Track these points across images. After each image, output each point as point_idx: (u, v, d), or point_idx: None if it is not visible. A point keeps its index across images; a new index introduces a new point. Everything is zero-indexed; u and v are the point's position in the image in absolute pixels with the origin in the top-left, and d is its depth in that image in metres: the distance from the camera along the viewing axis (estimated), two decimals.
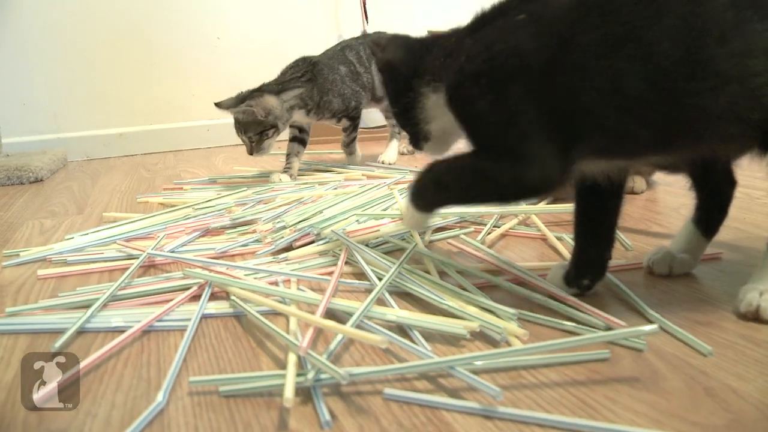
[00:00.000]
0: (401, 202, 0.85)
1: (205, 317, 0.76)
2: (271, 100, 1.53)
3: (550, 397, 0.55)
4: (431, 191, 0.75)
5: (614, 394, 0.55)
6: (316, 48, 1.80)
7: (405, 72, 0.78)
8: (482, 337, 0.67)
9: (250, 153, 1.58)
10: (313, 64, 1.65)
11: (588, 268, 0.76)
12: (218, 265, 0.88)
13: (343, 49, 1.77)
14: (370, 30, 2.49)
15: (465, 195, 0.73)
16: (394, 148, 1.92)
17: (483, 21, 0.71)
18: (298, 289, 0.81)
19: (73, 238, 1.14)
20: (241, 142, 1.60)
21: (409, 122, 0.79)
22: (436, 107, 0.75)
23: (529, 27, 0.64)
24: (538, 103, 0.63)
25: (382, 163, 1.83)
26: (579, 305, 0.72)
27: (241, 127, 1.55)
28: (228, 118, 1.59)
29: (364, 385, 0.58)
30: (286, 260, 0.94)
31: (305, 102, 1.60)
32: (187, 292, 0.81)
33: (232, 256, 1.00)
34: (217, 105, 1.54)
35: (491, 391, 0.53)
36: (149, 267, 0.96)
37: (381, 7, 2.60)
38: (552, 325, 0.69)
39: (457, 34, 0.74)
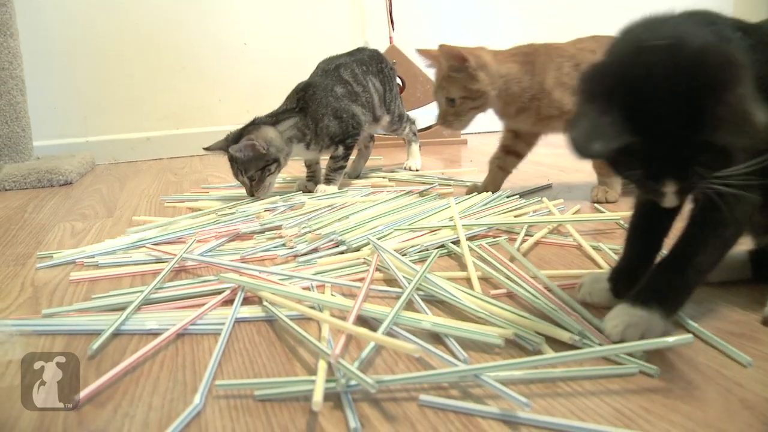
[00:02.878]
0: (620, 317, 0.67)
1: (237, 321, 0.77)
2: (269, 131, 1.45)
3: (585, 407, 0.55)
4: (690, 289, 0.68)
5: (649, 404, 0.55)
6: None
7: None
8: (516, 345, 0.67)
9: (251, 194, 1.46)
10: (305, 89, 1.54)
11: (638, 280, 0.72)
12: (251, 270, 0.89)
13: (337, 68, 1.63)
14: (395, 37, 2.50)
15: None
16: (418, 152, 1.89)
17: None
18: (332, 294, 0.82)
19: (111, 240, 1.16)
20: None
21: None
22: None
23: None
24: None
25: (409, 169, 1.80)
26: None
27: (241, 166, 1.44)
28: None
29: (399, 391, 0.59)
30: (316, 265, 0.95)
31: (303, 132, 1.50)
32: (220, 296, 0.82)
33: (262, 260, 1.01)
34: (207, 149, 1.48)
35: (518, 402, 0.53)
36: (180, 271, 0.98)
37: (407, 15, 2.61)
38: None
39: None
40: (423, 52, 1.39)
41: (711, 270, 0.68)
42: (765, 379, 0.58)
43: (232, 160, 1.44)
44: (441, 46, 1.27)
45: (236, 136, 1.45)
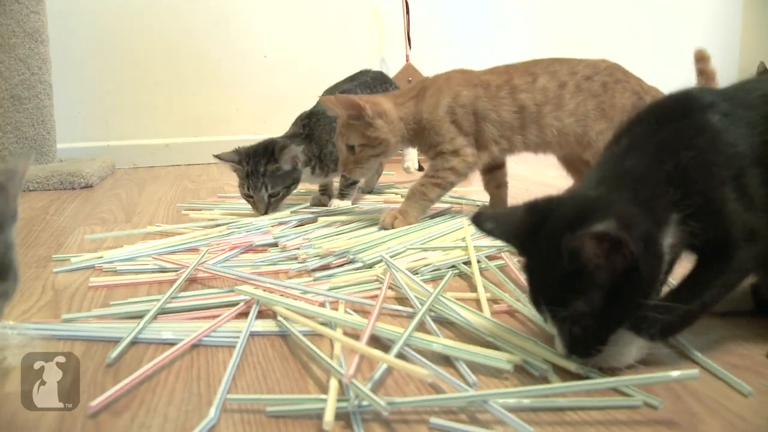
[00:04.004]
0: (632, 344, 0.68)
1: (252, 335, 0.78)
2: (297, 149, 1.46)
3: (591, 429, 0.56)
4: (687, 322, 0.70)
5: None
6: (358, 70, 1.81)
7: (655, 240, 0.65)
8: (524, 370, 0.68)
9: (264, 212, 1.43)
10: (309, 117, 1.57)
11: None
12: (267, 283, 0.91)
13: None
14: (412, 55, 2.52)
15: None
16: (414, 152, 1.82)
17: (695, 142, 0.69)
18: (345, 311, 0.83)
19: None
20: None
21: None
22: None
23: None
24: None
25: (408, 169, 1.79)
26: None
27: (268, 182, 1.42)
28: (269, 133, 1.57)
29: (409, 413, 0.60)
30: (329, 281, 0.96)
31: (309, 158, 1.51)
32: (235, 308, 0.83)
33: (276, 273, 1.03)
34: (219, 157, 1.47)
35: (525, 430, 0.54)
36: (192, 281, 0.99)
37: (424, 34, 2.64)
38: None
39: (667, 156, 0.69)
40: (326, 100, 1.39)
41: (709, 308, 0.70)
42: None
43: (254, 174, 1.42)
44: (337, 96, 1.28)
45: (254, 152, 1.44)
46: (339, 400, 0.59)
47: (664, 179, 0.67)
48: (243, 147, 1.48)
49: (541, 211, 0.67)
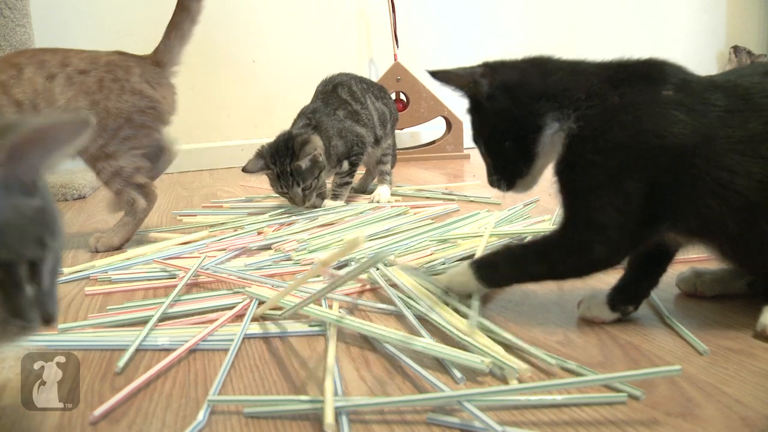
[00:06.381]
0: (456, 269, 0.84)
1: (250, 337, 0.78)
2: (318, 140, 1.48)
3: (589, 423, 0.56)
4: (506, 271, 0.80)
5: (652, 423, 0.56)
6: (347, 71, 1.81)
7: (526, 97, 0.76)
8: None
9: (302, 203, 1.48)
10: (313, 112, 1.59)
11: (636, 296, 0.79)
12: (269, 284, 0.92)
13: (335, 87, 1.66)
14: (399, 54, 2.53)
15: (537, 276, 0.81)
16: (387, 188, 1.68)
17: (625, 78, 0.73)
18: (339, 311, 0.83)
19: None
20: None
21: (510, 156, 0.79)
22: (551, 142, 0.75)
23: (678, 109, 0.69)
24: (650, 187, 0.69)
25: (378, 202, 1.59)
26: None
27: (298, 178, 1.45)
28: (261, 138, 1.59)
29: (408, 413, 0.60)
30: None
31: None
32: (231, 312, 0.84)
33: (273, 275, 1.03)
34: (247, 171, 1.49)
35: (495, 428, 0.54)
36: (192, 286, 0.99)
37: (411, 32, 2.64)
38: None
39: (592, 73, 0.75)
40: None
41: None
42: (765, 396, 0.59)
43: (284, 174, 1.45)
44: None
45: (277, 152, 1.46)
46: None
47: (585, 88, 0.73)
48: (264, 148, 1.50)
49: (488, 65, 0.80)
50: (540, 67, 0.78)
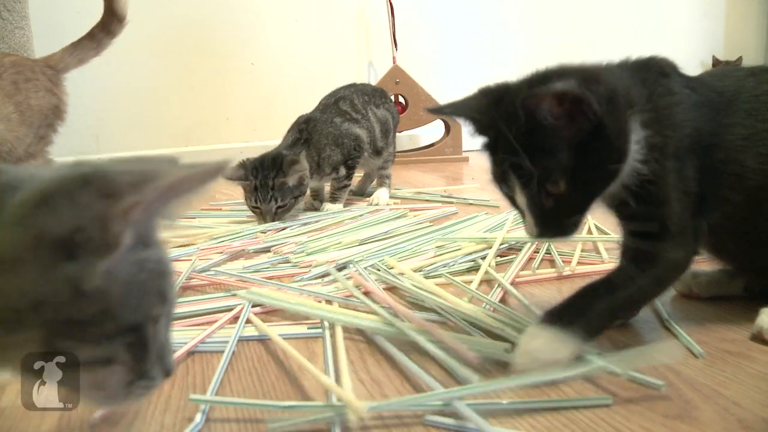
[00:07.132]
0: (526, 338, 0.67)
1: (248, 340, 0.78)
2: (305, 162, 1.47)
3: (586, 426, 0.56)
4: (605, 317, 0.69)
5: (649, 424, 0.56)
6: (346, 74, 1.83)
7: (622, 107, 0.64)
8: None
9: (270, 221, 1.41)
10: (307, 122, 1.57)
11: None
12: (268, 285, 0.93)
13: (337, 101, 1.66)
14: (398, 57, 2.53)
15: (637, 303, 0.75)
16: (386, 191, 1.72)
17: (650, 78, 0.70)
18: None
19: None
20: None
21: (588, 187, 0.64)
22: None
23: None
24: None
25: (377, 205, 1.61)
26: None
27: (277, 194, 1.41)
28: (260, 141, 1.59)
29: (409, 417, 0.60)
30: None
31: (309, 164, 1.50)
32: (230, 314, 0.84)
33: (271, 278, 1.03)
34: (228, 178, 1.44)
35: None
36: (186, 288, 0.99)
37: (409, 34, 2.65)
38: None
39: (627, 75, 0.69)
40: None
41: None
42: (762, 398, 0.60)
43: (263, 187, 1.42)
44: None
45: (262, 165, 1.43)
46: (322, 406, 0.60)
47: (638, 82, 0.68)
48: (248, 160, 1.47)
49: (495, 91, 0.68)
50: (613, 74, 0.68)
